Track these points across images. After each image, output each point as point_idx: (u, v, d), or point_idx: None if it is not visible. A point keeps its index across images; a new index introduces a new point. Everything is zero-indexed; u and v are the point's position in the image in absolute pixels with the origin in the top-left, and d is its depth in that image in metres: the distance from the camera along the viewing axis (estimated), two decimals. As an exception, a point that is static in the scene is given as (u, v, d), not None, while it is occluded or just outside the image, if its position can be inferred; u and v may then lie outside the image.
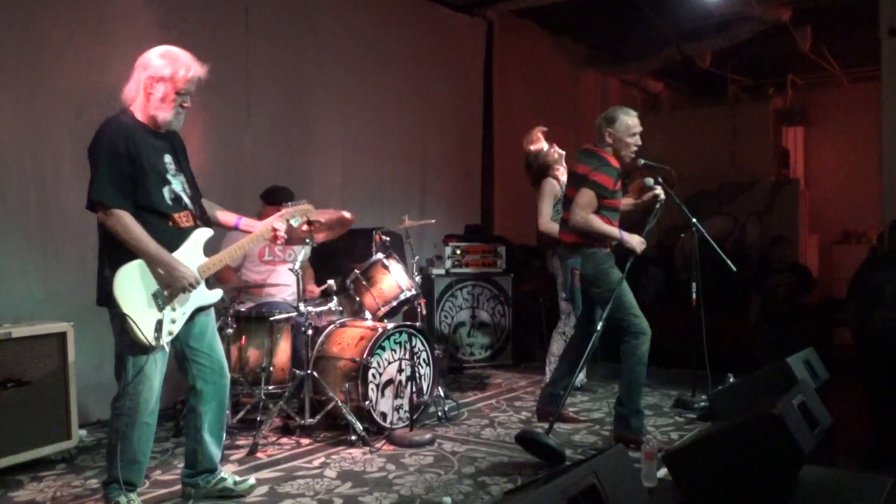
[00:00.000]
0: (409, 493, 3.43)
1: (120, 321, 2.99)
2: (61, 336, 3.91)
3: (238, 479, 3.41)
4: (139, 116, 3.10)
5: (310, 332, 4.35)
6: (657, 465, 3.40)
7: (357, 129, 6.51)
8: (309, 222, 3.89)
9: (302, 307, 4.31)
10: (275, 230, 3.41)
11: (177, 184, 3.17)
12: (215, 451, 3.35)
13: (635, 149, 4.29)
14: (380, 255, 4.75)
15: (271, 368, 4.52)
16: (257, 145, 5.60)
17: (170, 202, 3.12)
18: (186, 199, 3.21)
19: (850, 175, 10.82)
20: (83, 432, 4.15)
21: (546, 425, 4.34)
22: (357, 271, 4.76)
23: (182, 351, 3.25)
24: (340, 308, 4.75)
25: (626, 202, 4.44)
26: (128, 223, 2.96)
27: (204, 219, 3.32)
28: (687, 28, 8.31)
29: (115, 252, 3.00)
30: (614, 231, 4.17)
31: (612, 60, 9.54)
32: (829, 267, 10.37)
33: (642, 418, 4.19)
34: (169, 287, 3.06)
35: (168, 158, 3.16)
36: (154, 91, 3.06)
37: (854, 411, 4.88)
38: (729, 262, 4.82)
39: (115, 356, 3.11)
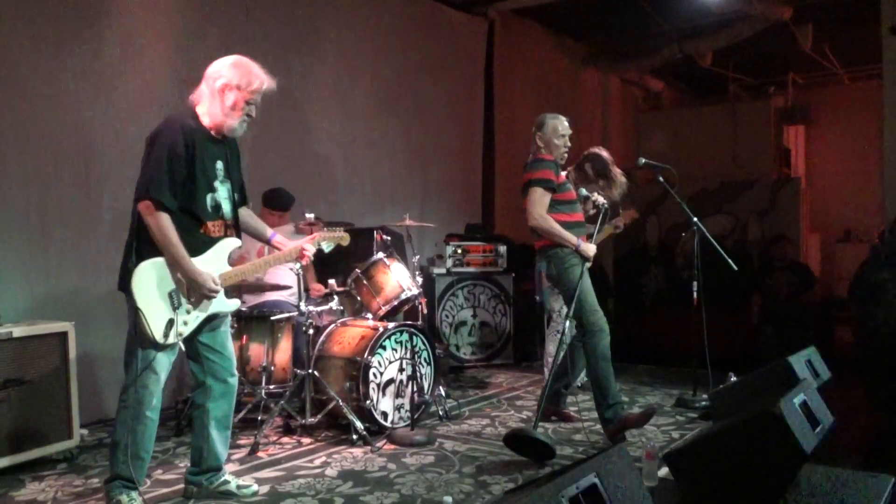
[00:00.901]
0: (410, 493, 3.43)
1: (133, 314, 3.03)
2: (62, 335, 3.91)
3: (241, 483, 3.42)
4: (204, 120, 3.17)
5: (311, 331, 4.35)
6: (658, 465, 3.40)
7: (357, 128, 6.50)
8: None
9: (303, 306, 4.31)
10: (303, 252, 3.49)
11: (222, 191, 3.24)
12: (221, 450, 3.36)
13: (565, 150, 4.47)
14: (381, 255, 4.75)
15: (272, 368, 4.52)
16: (257, 144, 5.59)
17: (209, 209, 3.18)
18: (226, 208, 3.27)
19: (852, 173, 10.82)
20: (84, 431, 4.14)
21: (548, 424, 4.36)
22: (358, 270, 4.76)
23: (195, 347, 3.28)
24: (341, 307, 4.75)
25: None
26: (168, 226, 3.01)
27: (236, 229, 3.36)
28: (688, 27, 8.31)
29: (144, 245, 3.05)
30: (571, 238, 4.29)
31: (612, 59, 9.54)
32: (831, 265, 10.37)
33: (618, 410, 4.22)
34: (188, 290, 3.10)
35: (220, 165, 3.23)
36: (226, 98, 3.13)
37: (855, 410, 4.88)
38: (730, 260, 4.83)
39: (126, 347, 3.14)
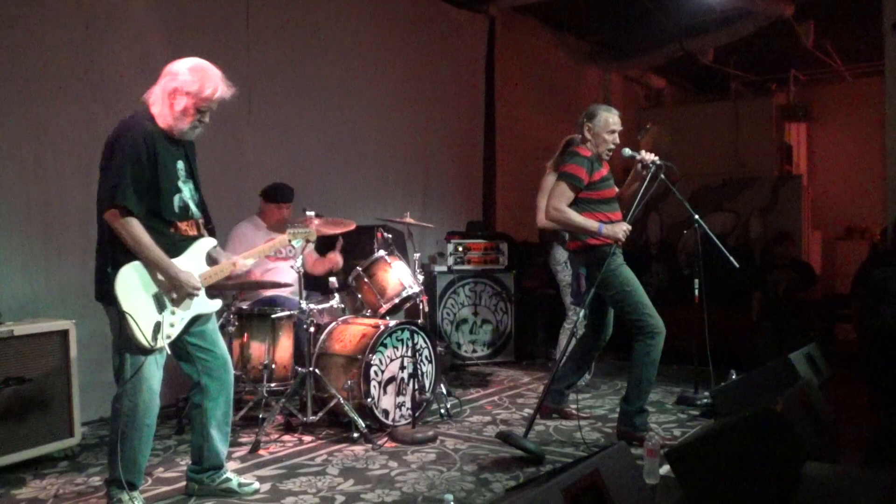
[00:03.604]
0: (411, 491, 3.43)
1: (119, 320, 2.99)
2: (63, 334, 3.91)
3: (243, 481, 3.41)
4: (158, 122, 3.12)
5: (312, 329, 4.34)
6: (660, 462, 3.40)
7: (358, 126, 6.50)
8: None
9: (304, 304, 4.31)
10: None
11: (186, 191, 3.20)
12: (221, 448, 3.35)
13: (612, 147, 4.27)
14: (382, 252, 4.75)
15: (273, 366, 4.52)
16: (258, 142, 5.60)
17: (177, 210, 3.15)
18: (193, 208, 3.24)
19: (853, 171, 10.82)
20: (85, 430, 4.15)
21: (549, 422, 4.35)
22: (359, 268, 4.76)
23: (185, 348, 3.25)
24: (342, 305, 4.74)
25: (622, 192, 4.38)
26: (139, 230, 2.98)
27: (209, 228, 3.34)
28: (689, 24, 8.30)
29: (119, 250, 3.01)
30: (591, 223, 4.08)
31: (614, 56, 9.54)
32: (832, 263, 10.36)
33: (646, 416, 4.19)
34: (170, 290, 3.08)
35: (181, 165, 3.20)
36: (177, 102, 3.08)
37: (857, 407, 4.88)
38: (731, 258, 4.82)
39: (114, 355, 3.11)
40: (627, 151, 4.22)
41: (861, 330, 5.55)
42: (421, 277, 4.82)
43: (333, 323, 4.68)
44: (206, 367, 3.28)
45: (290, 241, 3.69)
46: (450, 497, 3.07)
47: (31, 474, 3.69)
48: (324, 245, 5.23)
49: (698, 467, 2.86)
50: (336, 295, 4.62)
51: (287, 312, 4.51)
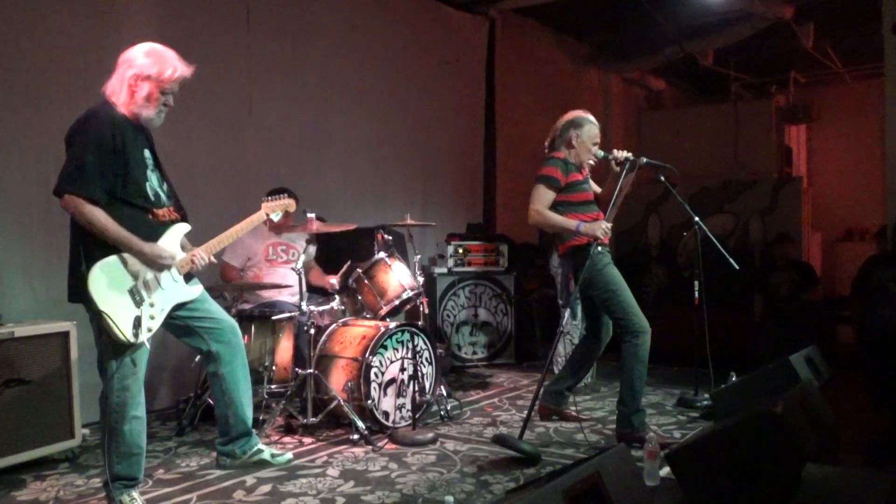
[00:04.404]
0: (411, 492, 3.43)
1: (97, 319, 2.96)
2: (64, 335, 3.91)
3: (275, 452, 3.36)
4: (122, 111, 3.08)
5: (312, 331, 4.35)
6: (660, 464, 3.40)
7: (359, 128, 6.51)
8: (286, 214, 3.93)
9: (304, 306, 4.31)
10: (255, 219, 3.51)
11: (154, 179, 3.17)
12: (248, 413, 3.28)
13: (592, 159, 4.31)
14: (382, 254, 4.75)
15: (274, 367, 4.52)
16: (259, 144, 5.60)
17: (151, 197, 3.12)
18: (163, 195, 3.20)
19: (853, 173, 10.82)
20: (86, 431, 4.14)
21: (549, 423, 4.34)
22: (359, 270, 4.76)
23: (182, 324, 3.21)
24: (343, 307, 4.75)
25: (604, 192, 4.40)
26: (100, 216, 2.93)
27: (182, 214, 3.31)
28: (689, 26, 8.31)
29: (90, 246, 2.97)
30: (570, 222, 4.13)
31: (614, 58, 9.54)
32: (832, 265, 10.36)
33: (644, 416, 4.19)
34: (145, 279, 3.03)
35: (147, 153, 3.17)
36: (139, 89, 3.05)
37: (857, 409, 4.88)
38: (731, 260, 4.83)
39: (98, 353, 3.09)
40: (600, 153, 4.29)
41: (861, 331, 5.56)
42: (421, 279, 4.82)
43: (334, 325, 4.68)
44: (211, 333, 3.25)
45: (267, 214, 3.62)
46: (450, 499, 3.07)
47: (31, 476, 3.69)
48: (325, 245, 5.24)
49: (698, 469, 2.87)
50: (336, 297, 4.63)
51: (288, 314, 4.52)
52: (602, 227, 4.06)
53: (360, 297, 4.79)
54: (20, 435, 3.69)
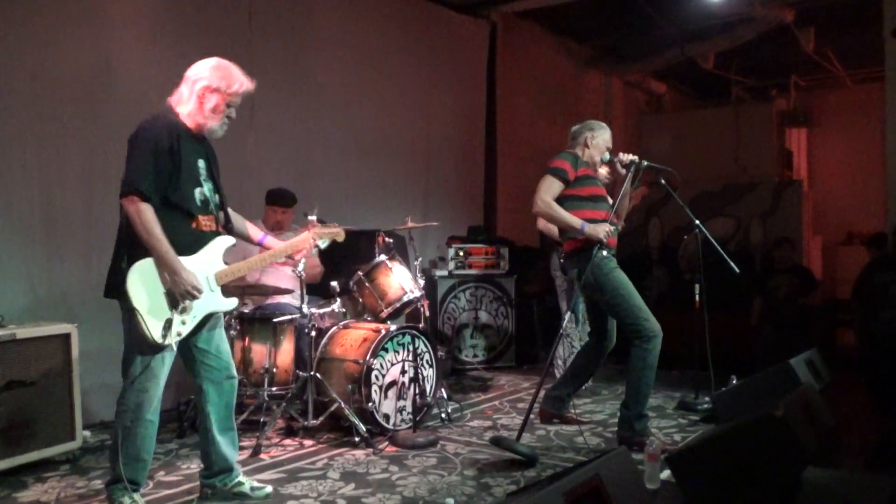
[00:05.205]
0: (412, 495, 3.43)
1: (129, 316, 3.01)
2: (65, 337, 3.92)
3: (255, 485, 3.40)
4: (185, 120, 3.18)
5: (313, 333, 4.35)
6: (660, 467, 3.40)
7: (360, 130, 6.51)
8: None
9: (305, 309, 4.32)
10: (298, 249, 3.54)
11: (207, 188, 3.24)
12: (229, 452, 3.34)
13: (601, 160, 4.34)
14: (383, 257, 4.76)
15: (274, 370, 4.53)
16: (261, 146, 5.61)
17: (199, 203, 3.18)
18: (213, 205, 3.26)
19: (854, 176, 10.83)
20: (87, 433, 4.15)
21: (550, 427, 4.34)
22: (360, 273, 4.76)
23: (190, 351, 3.25)
24: (343, 309, 4.75)
25: (617, 203, 4.41)
26: (150, 217, 2.99)
27: (228, 227, 3.36)
28: (690, 29, 8.32)
29: (134, 247, 3.03)
30: (575, 220, 4.11)
31: (615, 61, 9.56)
32: (833, 268, 10.36)
33: (647, 421, 4.19)
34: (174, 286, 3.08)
35: (202, 164, 3.24)
36: (207, 101, 3.16)
37: (857, 412, 4.88)
38: (732, 263, 4.83)
39: (124, 351, 3.12)
40: (607, 155, 4.31)
41: (862, 335, 5.56)
42: (422, 282, 4.83)
43: (335, 327, 4.68)
44: (209, 372, 3.28)
45: (314, 240, 3.60)
46: (451, 501, 3.08)
47: (32, 477, 3.69)
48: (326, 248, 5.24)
49: (699, 472, 2.87)
50: (337, 299, 4.63)
51: (288, 317, 4.52)
52: (605, 230, 4.06)
53: (360, 300, 4.79)
54: (21, 437, 3.70)
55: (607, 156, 4.30)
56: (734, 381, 4.92)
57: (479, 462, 3.92)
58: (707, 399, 4.97)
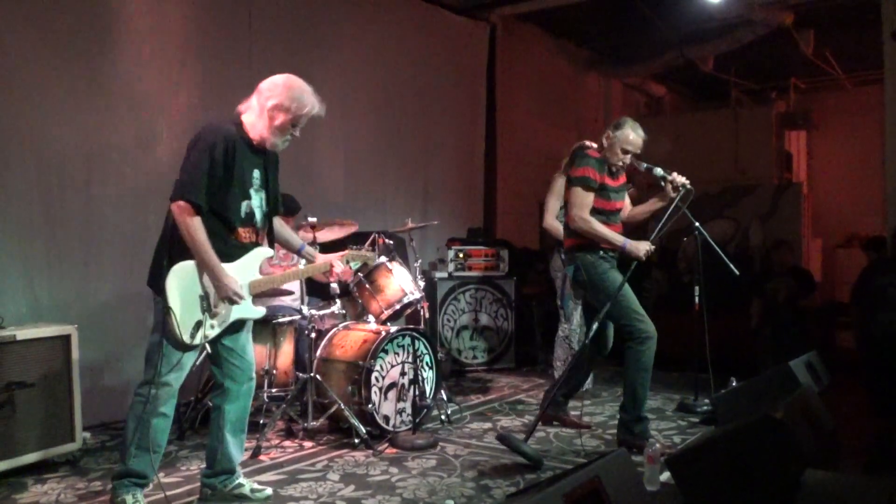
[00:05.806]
0: (412, 497, 3.44)
1: (163, 311, 3.06)
2: (65, 339, 3.92)
3: (255, 487, 3.42)
4: (248, 130, 3.22)
5: (313, 335, 4.35)
6: (660, 469, 3.41)
7: (360, 132, 6.52)
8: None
9: (305, 310, 4.32)
10: (332, 268, 3.59)
11: (256, 199, 3.27)
12: (235, 453, 3.38)
13: (620, 163, 4.22)
14: (383, 259, 4.76)
15: (274, 371, 4.53)
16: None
17: (242, 215, 3.21)
18: (258, 216, 3.30)
19: (853, 179, 10.83)
20: (87, 435, 4.15)
21: (550, 429, 4.34)
22: (360, 274, 4.76)
23: (217, 350, 3.31)
24: (343, 311, 4.75)
25: (642, 210, 4.38)
26: (198, 229, 3.05)
27: (269, 238, 3.41)
28: (689, 31, 8.33)
29: (176, 248, 3.08)
30: (617, 237, 4.09)
31: (614, 64, 9.56)
32: (832, 270, 10.37)
33: (646, 424, 4.18)
34: (216, 294, 3.15)
35: (257, 174, 3.27)
36: (276, 119, 3.19)
37: (857, 414, 4.88)
38: (731, 265, 4.83)
39: (150, 342, 3.16)
40: (659, 170, 4.17)
41: (861, 337, 5.57)
42: (422, 283, 4.83)
43: (334, 329, 4.68)
44: (232, 371, 3.33)
45: (347, 261, 3.69)
46: (451, 503, 3.09)
47: (32, 479, 3.69)
48: (326, 250, 5.23)
49: (698, 474, 2.87)
50: (337, 301, 4.64)
51: (288, 318, 4.53)
52: (645, 248, 4.05)
53: (360, 301, 4.79)
54: (21, 438, 3.70)
55: (660, 171, 4.18)
56: (734, 384, 4.91)
57: (478, 464, 3.92)
58: (706, 401, 4.98)
